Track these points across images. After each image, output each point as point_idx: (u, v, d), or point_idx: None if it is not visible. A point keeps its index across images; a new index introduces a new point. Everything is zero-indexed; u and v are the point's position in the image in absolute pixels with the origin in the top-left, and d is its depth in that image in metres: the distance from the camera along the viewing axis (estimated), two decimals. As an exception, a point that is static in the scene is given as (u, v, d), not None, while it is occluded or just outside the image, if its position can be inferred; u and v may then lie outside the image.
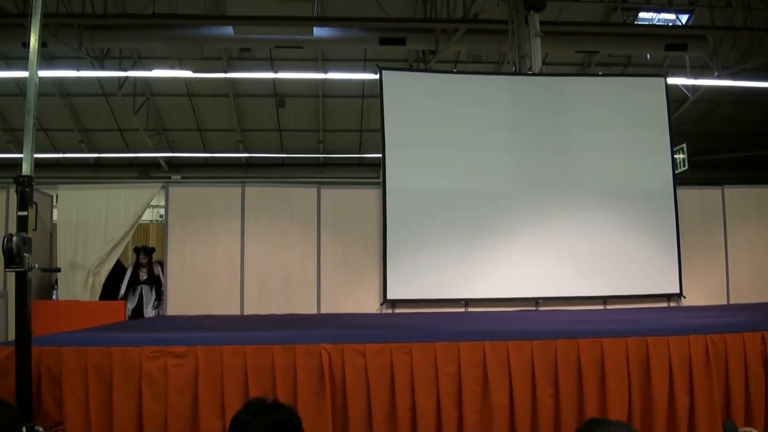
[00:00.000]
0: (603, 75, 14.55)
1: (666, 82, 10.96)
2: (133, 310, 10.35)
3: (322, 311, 9.76)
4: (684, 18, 15.79)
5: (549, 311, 9.45)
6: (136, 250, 10.81)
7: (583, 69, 17.27)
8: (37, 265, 4.37)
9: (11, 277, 4.45)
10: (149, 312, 10.40)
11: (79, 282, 9.83)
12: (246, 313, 9.64)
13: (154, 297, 10.47)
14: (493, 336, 5.13)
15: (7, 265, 4.25)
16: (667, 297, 10.18)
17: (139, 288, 10.54)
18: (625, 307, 9.65)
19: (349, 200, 10.21)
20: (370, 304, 9.86)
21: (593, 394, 5.00)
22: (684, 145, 18.20)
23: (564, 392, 4.96)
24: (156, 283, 10.56)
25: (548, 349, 5.03)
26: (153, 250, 10.86)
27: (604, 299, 10.00)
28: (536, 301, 9.91)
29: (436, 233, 9.93)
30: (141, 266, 10.59)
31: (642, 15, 15.77)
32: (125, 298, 10.33)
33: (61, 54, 15.71)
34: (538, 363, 4.98)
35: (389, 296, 9.76)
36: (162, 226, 10.44)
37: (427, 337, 5.13)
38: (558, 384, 4.97)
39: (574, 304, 9.81)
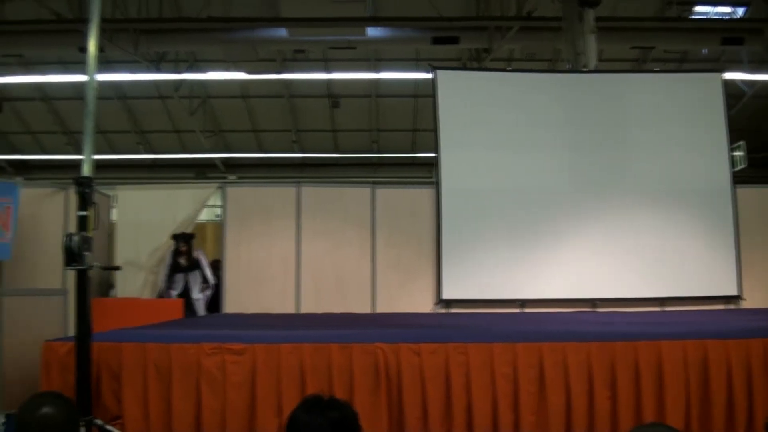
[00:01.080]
0: (658, 71, 14.28)
1: (722, 78, 10.76)
2: (178, 297, 10.04)
3: (377, 311, 9.79)
4: (740, 11, 15.40)
5: (606, 313, 9.31)
6: (175, 237, 10.18)
7: (639, 65, 16.97)
8: (97, 264, 4.46)
9: (72, 275, 4.53)
10: (197, 295, 10.07)
11: (137, 280, 9.99)
12: (302, 311, 9.72)
13: (200, 279, 10.14)
14: (550, 337, 5.09)
15: (68, 263, 4.35)
16: (726, 299, 9.96)
17: (181, 275, 10.10)
18: (684, 309, 9.49)
19: (403, 200, 10.23)
20: (425, 304, 9.85)
21: (651, 398, 4.92)
22: (742, 143, 17.75)
23: (621, 395, 4.89)
24: (199, 267, 10.16)
25: (606, 351, 4.96)
26: (192, 236, 10.35)
27: (662, 301, 9.84)
28: (593, 302, 9.79)
29: (490, 233, 9.89)
30: (180, 254, 10.09)
31: (697, 9, 15.41)
32: (169, 287, 10.05)
33: (118, 58, 15.97)
34: (595, 365, 4.92)
35: (444, 296, 9.75)
36: (219, 225, 10.53)
37: (483, 338, 5.11)
38: (616, 387, 4.90)
39: (631, 306, 9.65)
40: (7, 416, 4.38)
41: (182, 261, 10.09)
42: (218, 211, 10.86)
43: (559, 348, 4.95)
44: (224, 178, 21.00)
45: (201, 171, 21.76)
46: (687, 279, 9.90)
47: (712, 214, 10.14)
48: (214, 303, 10.29)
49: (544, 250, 9.86)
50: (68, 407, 2.85)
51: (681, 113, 10.43)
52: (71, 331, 4.60)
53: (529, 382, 4.88)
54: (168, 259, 10.12)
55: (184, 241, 10.12)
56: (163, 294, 9.99)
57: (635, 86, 10.75)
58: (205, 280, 10.15)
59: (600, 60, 11.60)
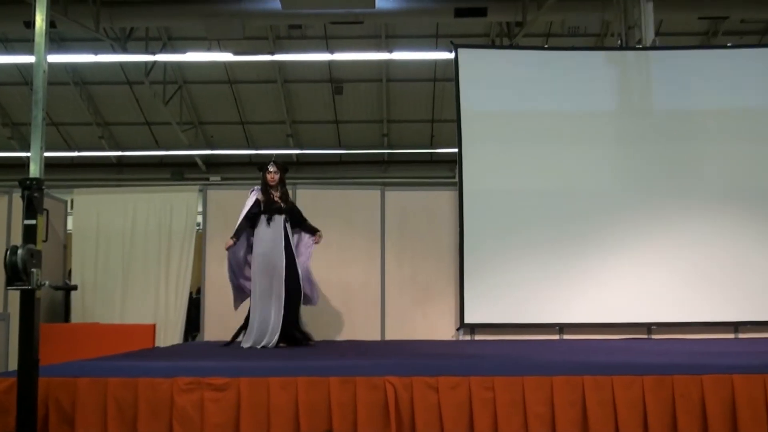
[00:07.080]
0: (732, 46, 14.19)
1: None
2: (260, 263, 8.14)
3: (387, 338, 9.80)
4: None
5: (664, 340, 9.27)
6: (262, 167, 8.61)
7: (708, 40, 16.85)
8: (47, 282, 4.42)
9: (16, 296, 4.47)
10: (306, 257, 8.57)
11: (99, 302, 9.97)
12: (297, 338, 9.72)
13: (306, 235, 8.61)
14: (594, 370, 5.05)
15: (10, 282, 4.24)
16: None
17: (273, 221, 8.25)
18: (763, 336, 9.42)
19: (419, 204, 10.24)
20: (445, 330, 9.86)
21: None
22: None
23: (683, 441, 4.84)
24: (294, 215, 8.53)
25: (664, 386, 4.90)
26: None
27: (735, 325, 9.75)
28: (648, 327, 9.74)
29: (523, 243, 9.85)
30: (272, 187, 8.46)
31: (780, -34, 15.31)
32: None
33: (75, 35, 16.07)
34: (650, 404, 4.86)
35: (467, 320, 9.72)
36: (199, 236, 10.54)
37: (513, 370, 5.07)
38: (677, 430, 4.85)
39: (696, 332, 9.59)
40: None
41: (277, 199, 8.46)
42: (198, 218, 10.80)
43: (605, 383, 4.90)
44: (206, 179, 21.13)
45: (178, 171, 21.89)
46: (766, 300, 9.79)
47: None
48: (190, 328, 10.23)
49: (589, 264, 9.80)
50: None
51: (759, 98, 10.36)
52: (13, 364, 4.57)
53: (568, 424, 4.83)
54: (253, 197, 8.47)
55: (279, 169, 8.57)
56: (237, 257, 8.34)
57: (703, 65, 10.62)
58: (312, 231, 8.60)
59: (658, 34, 11.55)
